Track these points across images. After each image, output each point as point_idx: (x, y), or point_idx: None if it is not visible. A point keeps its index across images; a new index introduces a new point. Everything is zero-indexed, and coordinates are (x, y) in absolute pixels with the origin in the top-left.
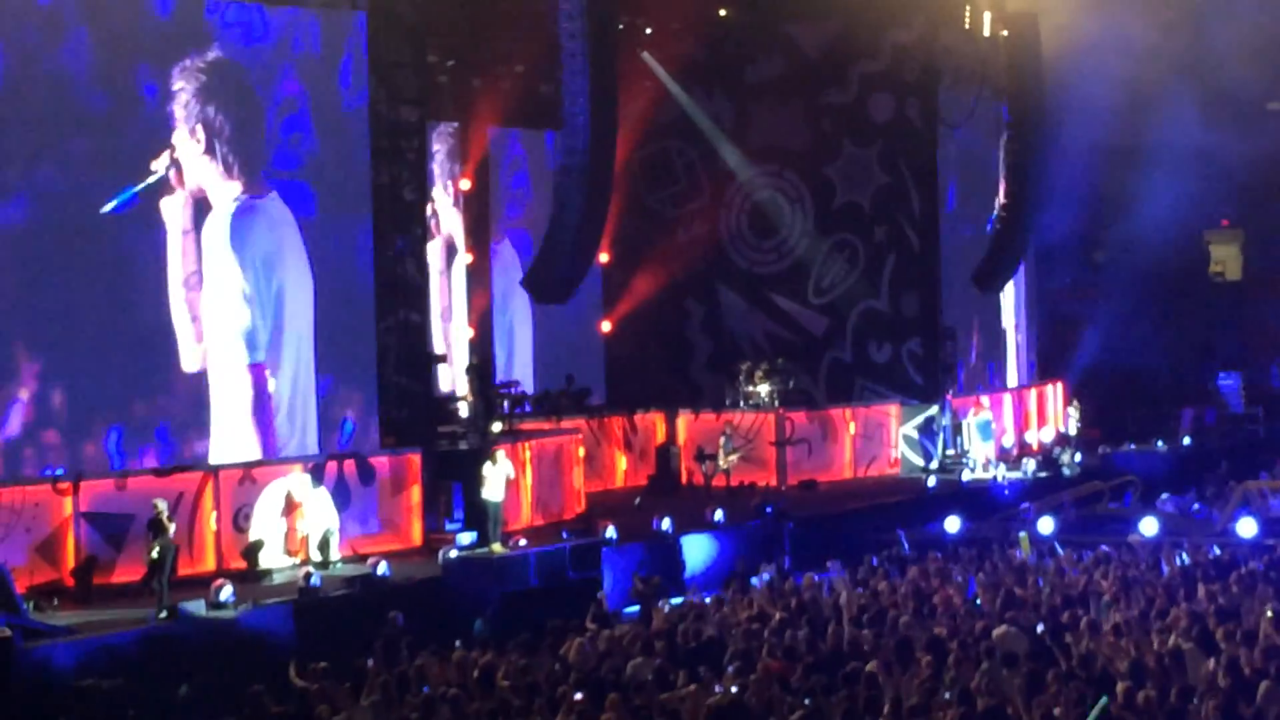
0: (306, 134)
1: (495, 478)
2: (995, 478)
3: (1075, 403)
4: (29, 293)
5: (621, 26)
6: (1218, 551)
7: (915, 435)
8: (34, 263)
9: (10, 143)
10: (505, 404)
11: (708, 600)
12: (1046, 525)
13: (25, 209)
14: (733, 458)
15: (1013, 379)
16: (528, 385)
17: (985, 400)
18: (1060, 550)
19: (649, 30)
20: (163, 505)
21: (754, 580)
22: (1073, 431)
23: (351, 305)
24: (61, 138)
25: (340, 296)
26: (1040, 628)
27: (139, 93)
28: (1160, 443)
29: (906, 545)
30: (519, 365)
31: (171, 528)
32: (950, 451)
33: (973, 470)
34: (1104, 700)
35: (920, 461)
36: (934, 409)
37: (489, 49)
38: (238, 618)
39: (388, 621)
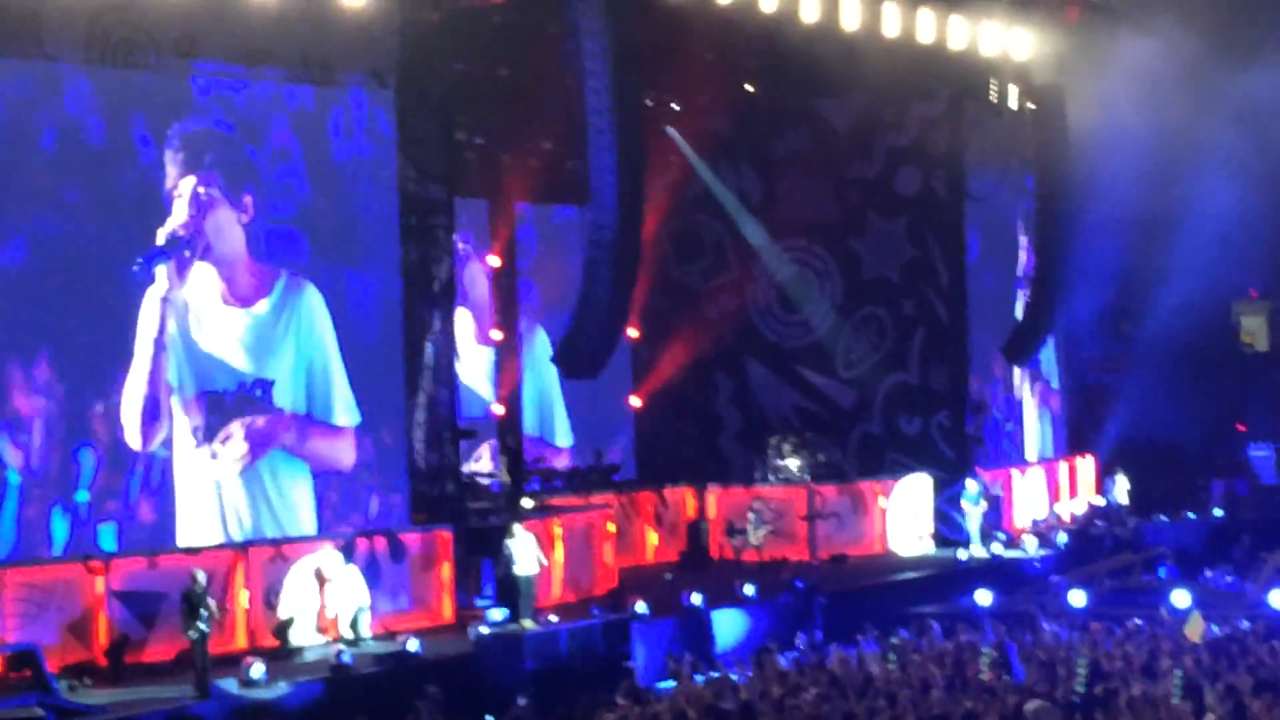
0: (338, 208)
1: (522, 552)
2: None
3: (1120, 472)
4: None
5: (650, 102)
6: (1247, 625)
7: (945, 509)
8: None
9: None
10: (535, 479)
11: (738, 675)
12: (1078, 598)
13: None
14: (761, 533)
15: (1031, 452)
16: (558, 461)
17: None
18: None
19: (676, 106)
20: (201, 578)
21: (786, 654)
22: (1124, 500)
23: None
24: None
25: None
26: (1075, 701)
27: (149, 158)
28: (1191, 514)
29: (940, 633)
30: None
31: (212, 603)
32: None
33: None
34: None
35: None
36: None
37: (517, 126)
38: (269, 696)
39: (427, 696)
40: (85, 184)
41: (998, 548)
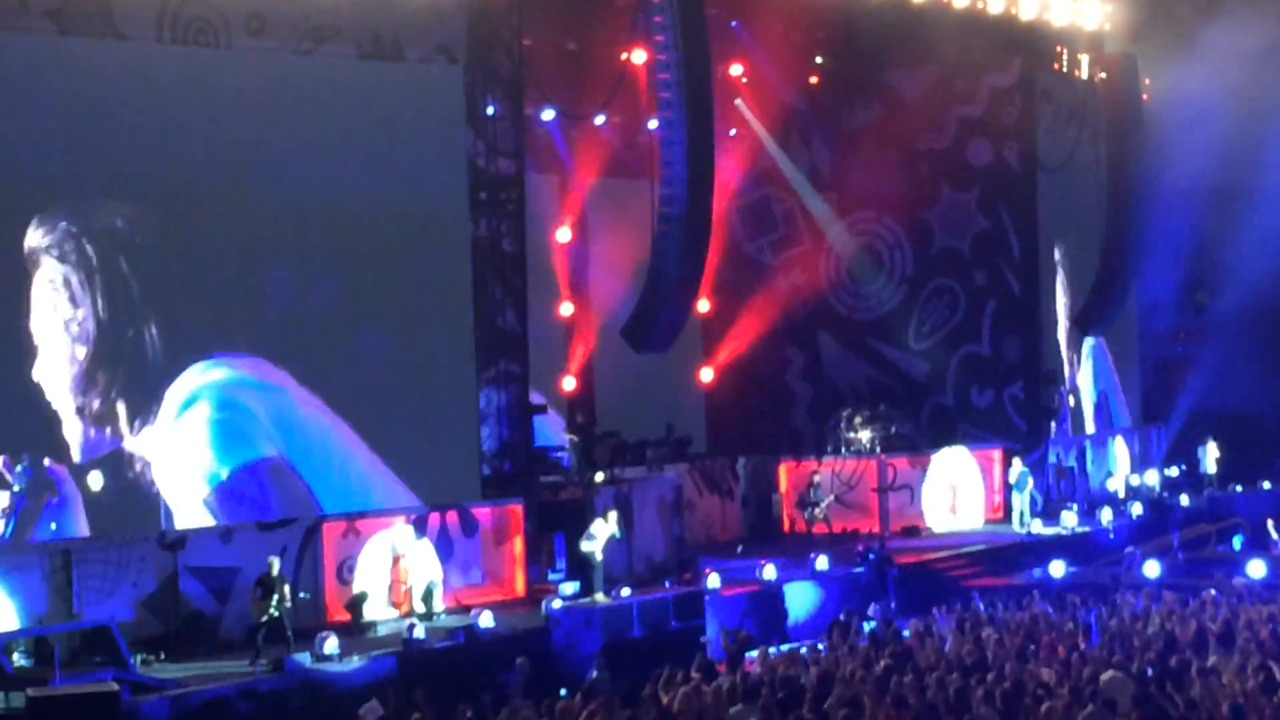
0: (406, 185)
1: (601, 535)
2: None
3: (1212, 440)
4: None
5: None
6: None
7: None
8: None
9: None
10: (606, 455)
11: (811, 648)
12: (1152, 569)
13: None
14: (826, 504)
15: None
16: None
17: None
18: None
19: (746, 79)
20: (276, 563)
21: (860, 626)
22: (1211, 470)
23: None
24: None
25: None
26: (1149, 672)
27: None
28: (1267, 484)
29: (1013, 604)
30: (619, 415)
31: (286, 588)
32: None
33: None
34: None
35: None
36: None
37: (586, 100)
38: (342, 670)
39: (516, 669)
40: None
41: (1071, 519)
